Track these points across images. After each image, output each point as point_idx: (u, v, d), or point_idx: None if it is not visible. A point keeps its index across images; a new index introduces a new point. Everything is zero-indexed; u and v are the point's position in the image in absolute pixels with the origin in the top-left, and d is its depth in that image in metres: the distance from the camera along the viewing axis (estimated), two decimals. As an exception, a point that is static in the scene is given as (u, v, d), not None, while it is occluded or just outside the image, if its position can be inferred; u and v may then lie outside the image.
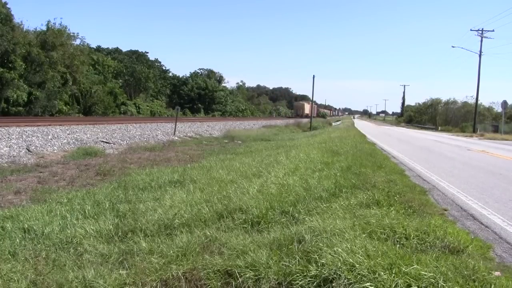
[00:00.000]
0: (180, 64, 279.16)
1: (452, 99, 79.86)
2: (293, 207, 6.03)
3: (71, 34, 40.98)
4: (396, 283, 3.49)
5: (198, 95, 73.80)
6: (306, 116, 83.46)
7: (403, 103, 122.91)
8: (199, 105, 72.79)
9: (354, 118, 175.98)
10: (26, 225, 5.46)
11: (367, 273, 3.64)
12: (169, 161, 13.65)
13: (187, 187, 7.92)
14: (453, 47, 57.36)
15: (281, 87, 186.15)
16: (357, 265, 3.75)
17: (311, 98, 60.53)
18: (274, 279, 3.76)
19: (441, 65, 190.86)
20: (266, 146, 19.45)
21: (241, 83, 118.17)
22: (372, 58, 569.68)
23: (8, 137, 15.29)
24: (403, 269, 3.69)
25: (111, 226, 5.39)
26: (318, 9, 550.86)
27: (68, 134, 18.69)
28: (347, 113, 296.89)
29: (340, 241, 4.34)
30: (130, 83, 62.16)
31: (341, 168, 10.08)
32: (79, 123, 23.85)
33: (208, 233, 4.90)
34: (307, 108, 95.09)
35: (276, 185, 7.65)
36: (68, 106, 38.80)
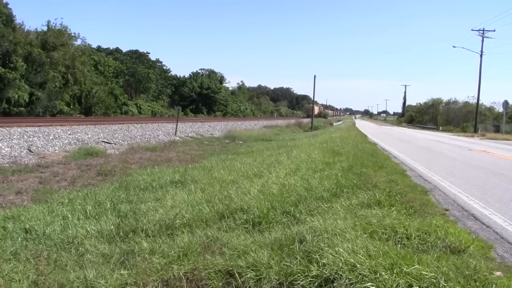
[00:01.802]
0: (180, 64, 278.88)
1: (453, 99, 79.83)
2: (294, 207, 6.03)
3: (72, 35, 40.99)
4: (398, 283, 3.49)
5: (199, 96, 73.76)
6: (316, 116, 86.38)
7: (404, 103, 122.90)
8: (202, 107, 72.73)
9: (355, 118, 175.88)
10: (27, 225, 5.47)
11: (368, 273, 3.64)
12: (170, 161, 13.66)
13: (188, 187, 7.93)
14: (454, 47, 57.26)
15: (282, 87, 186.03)
16: (358, 265, 3.75)
17: (312, 98, 60.49)
18: (275, 279, 3.76)
19: (442, 65, 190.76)
20: (267, 146, 19.45)
21: (242, 83, 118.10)
22: (373, 58, 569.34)
23: (9, 138, 15.30)
24: (405, 269, 3.69)
25: (112, 226, 5.40)
26: (319, 8, 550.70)
27: (69, 134, 18.71)
28: (348, 113, 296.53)
29: (341, 241, 4.34)
30: (131, 83, 62.17)
31: (342, 168, 10.08)
32: (80, 124, 23.86)
33: (209, 233, 4.91)
34: (316, 109, 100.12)
35: (277, 185, 7.65)
36: (69, 107, 38.82)
